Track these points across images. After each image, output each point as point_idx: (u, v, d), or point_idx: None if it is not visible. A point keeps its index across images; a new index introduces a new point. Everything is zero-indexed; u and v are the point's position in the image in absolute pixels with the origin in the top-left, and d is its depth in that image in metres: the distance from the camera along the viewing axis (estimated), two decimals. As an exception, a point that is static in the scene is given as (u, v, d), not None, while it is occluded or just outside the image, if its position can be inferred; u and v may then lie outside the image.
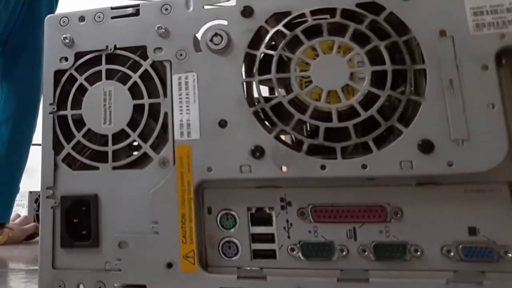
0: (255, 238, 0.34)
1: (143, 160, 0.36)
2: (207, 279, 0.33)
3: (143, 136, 0.36)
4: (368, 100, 0.32)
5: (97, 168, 0.36)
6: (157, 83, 0.37)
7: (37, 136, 0.39)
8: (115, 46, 0.38)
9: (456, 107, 0.30)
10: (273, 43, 0.35)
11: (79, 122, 0.37)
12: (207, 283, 0.33)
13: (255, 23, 0.35)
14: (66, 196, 0.36)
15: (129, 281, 0.35)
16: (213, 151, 0.34)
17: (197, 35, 0.37)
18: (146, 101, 0.37)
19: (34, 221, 1.14)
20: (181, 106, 0.35)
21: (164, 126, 0.36)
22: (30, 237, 0.98)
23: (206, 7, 0.37)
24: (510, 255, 0.30)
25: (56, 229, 0.36)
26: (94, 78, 0.38)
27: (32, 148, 0.92)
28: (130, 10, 0.39)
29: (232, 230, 0.35)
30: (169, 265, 0.34)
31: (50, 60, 0.39)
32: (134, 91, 0.37)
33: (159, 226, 0.34)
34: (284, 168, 0.33)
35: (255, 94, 0.35)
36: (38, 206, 0.57)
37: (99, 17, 0.39)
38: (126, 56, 0.38)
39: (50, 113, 0.38)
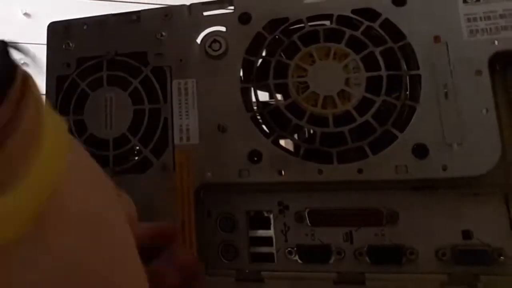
0: (254, 241, 0.35)
1: (144, 164, 0.37)
2: (207, 281, 0.34)
3: (144, 141, 0.37)
4: (364, 105, 0.32)
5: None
6: (157, 88, 0.37)
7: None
8: (116, 52, 0.39)
9: (450, 112, 0.31)
10: (271, 49, 0.36)
11: (81, 127, 0.38)
12: (206, 286, 0.34)
13: (252, 30, 0.36)
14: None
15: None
16: (212, 155, 0.35)
17: (196, 41, 0.37)
18: (146, 106, 0.37)
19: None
20: (180, 112, 0.36)
21: (164, 131, 0.36)
22: None
23: (205, 13, 0.37)
24: (503, 258, 0.30)
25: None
26: (96, 84, 0.39)
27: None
28: (131, 17, 0.39)
29: (231, 233, 0.35)
30: (169, 268, 0.34)
31: (53, 65, 0.40)
32: (135, 97, 0.38)
33: (159, 229, 0.35)
34: (282, 173, 0.33)
35: (253, 99, 0.36)
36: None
37: (101, 24, 0.40)
38: (127, 62, 0.38)
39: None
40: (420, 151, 0.31)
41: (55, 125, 0.15)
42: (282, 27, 0.35)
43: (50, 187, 0.14)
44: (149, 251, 0.24)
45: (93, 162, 0.19)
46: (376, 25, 0.33)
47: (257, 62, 0.35)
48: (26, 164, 0.13)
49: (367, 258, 0.32)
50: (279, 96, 0.35)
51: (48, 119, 0.14)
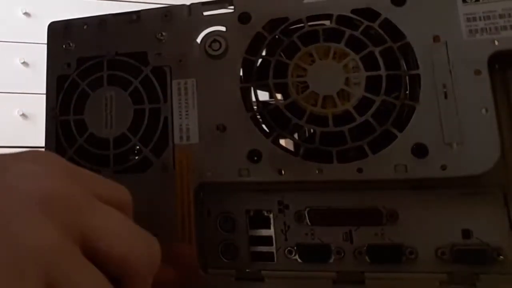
0: (254, 240, 0.35)
1: (144, 164, 0.37)
2: (206, 280, 0.34)
3: (144, 141, 0.37)
4: (363, 105, 0.32)
5: (98, 172, 0.37)
6: (157, 88, 0.37)
7: (41, 140, 0.40)
8: (116, 52, 0.39)
9: (449, 111, 0.31)
10: (271, 48, 0.36)
11: (82, 127, 0.38)
12: (206, 285, 0.34)
13: (252, 29, 0.36)
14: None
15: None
16: (212, 155, 0.35)
17: (196, 41, 0.37)
18: (146, 106, 0.37)
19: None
20: (180, 111, 0.36)
21: (164, 131, 0.36)
22: None
23: (205, 13, 0.37)
24: (502, 257, 0.30)
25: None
26: (96, 83, 0.39)
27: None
28: (131, 17, 0.39)
29: (231, 232, 0.35)
30: (169, 267, 0.35)
31: (53, 65, 0.40)
32: (135, 96, 0.38)
33: (159, 228, 0.35)
34: (282, 172, 0.33)
35: (253, 99, 0.36)
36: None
37: (101, 24, 0.40)
38: (127, 62, 0.38)
39: (53, 117, 0.39)
40: (420, 150, 0.31)
41: None
42: (282, 27, 0.35)
43: None
44: None
45: None
46: (375, 25, 0.33)
47: (257, 61, 0.35)
48: None
49: (366, 258, 0.33)
50: (279, 96, 0.35)
51: None
